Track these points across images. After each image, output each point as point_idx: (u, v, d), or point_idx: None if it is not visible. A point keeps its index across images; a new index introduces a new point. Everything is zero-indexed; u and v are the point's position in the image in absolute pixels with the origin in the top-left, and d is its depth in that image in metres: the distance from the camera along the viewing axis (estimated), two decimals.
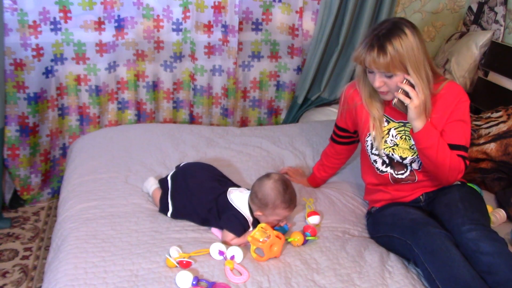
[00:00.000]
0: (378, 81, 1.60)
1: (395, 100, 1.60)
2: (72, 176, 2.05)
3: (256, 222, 1.71)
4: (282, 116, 3.04)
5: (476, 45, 2.75)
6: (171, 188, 1.80)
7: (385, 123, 1.76)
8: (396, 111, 1.72)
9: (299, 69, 2.91)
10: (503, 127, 2.21)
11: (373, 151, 1.79)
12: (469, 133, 1.70)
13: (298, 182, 2.08)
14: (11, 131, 2.46)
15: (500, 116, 2.26)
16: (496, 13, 2.81)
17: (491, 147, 2.20)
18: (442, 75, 1.75)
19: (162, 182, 1.87)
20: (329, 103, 3.01)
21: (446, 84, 1.69)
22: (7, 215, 2.53)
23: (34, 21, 2.34)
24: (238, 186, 1.84)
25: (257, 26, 2.78)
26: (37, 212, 2.59)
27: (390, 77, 1.58)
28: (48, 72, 2.48)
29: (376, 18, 2.87)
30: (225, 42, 2.71)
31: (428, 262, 1.52)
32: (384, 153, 1.76)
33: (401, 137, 1.73)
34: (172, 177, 1.84)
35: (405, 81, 1.57)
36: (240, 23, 2.68)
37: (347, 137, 1.97)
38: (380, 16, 2.85)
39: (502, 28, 2.76)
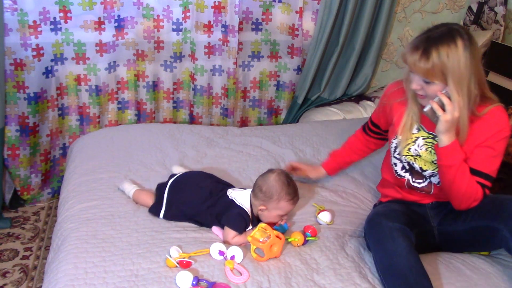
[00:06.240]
0: (415, 83, 1.54)
1: (427, 107, 1.53)
2: (72, 176, 2.05)
3: (256, 221, 1.71)
4: (282, 116, 3.05)
5: None
6: (167, 195, 1.77)
7: (415, 131, 1.70)
8: (430, 122, 1.62)
9: (299, 69, 2.91)
10: None
11: (395, 155, 1.76)
12: (497, 164, 1.60)
13: (311, 174, 2.04)
14: (11, 131, 2.46)
15: None
16: (496, 13, 2.81)
17: None
18: (494, 99, 1.62)
19: (160, 187, 1.84)
20: (329, 103, 3.01)
21: (492, 109, 1.59)
22: (7, 215, 2.53)
23: (34, 21, 2.34)
24: (234, 187, 1.84)
25: (257, 26, 2.78)
26: (37, 212, 2.59)
27: (428, 83, 1.51)
28: (48, 72, 2.48)
29: (376, 18, 2.87)
30: (225, 42, 2.71)
31: (374, 251, 1.56)
32: (405, 160, 1.73)
33: (426, 149, 1.68)
34: (172, 185, 1.81)
35: (444, 91, 1.49)
36: (240, 23, 2.68)
37: (377, 133, 1.97)
38: (380, 16, 2.85)
39: (502, 28, 2.76)
